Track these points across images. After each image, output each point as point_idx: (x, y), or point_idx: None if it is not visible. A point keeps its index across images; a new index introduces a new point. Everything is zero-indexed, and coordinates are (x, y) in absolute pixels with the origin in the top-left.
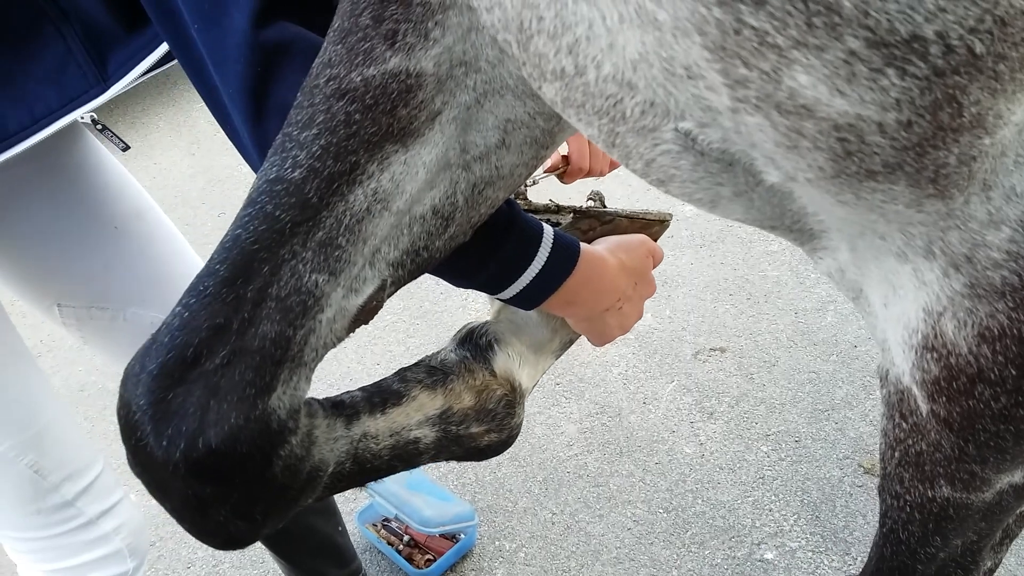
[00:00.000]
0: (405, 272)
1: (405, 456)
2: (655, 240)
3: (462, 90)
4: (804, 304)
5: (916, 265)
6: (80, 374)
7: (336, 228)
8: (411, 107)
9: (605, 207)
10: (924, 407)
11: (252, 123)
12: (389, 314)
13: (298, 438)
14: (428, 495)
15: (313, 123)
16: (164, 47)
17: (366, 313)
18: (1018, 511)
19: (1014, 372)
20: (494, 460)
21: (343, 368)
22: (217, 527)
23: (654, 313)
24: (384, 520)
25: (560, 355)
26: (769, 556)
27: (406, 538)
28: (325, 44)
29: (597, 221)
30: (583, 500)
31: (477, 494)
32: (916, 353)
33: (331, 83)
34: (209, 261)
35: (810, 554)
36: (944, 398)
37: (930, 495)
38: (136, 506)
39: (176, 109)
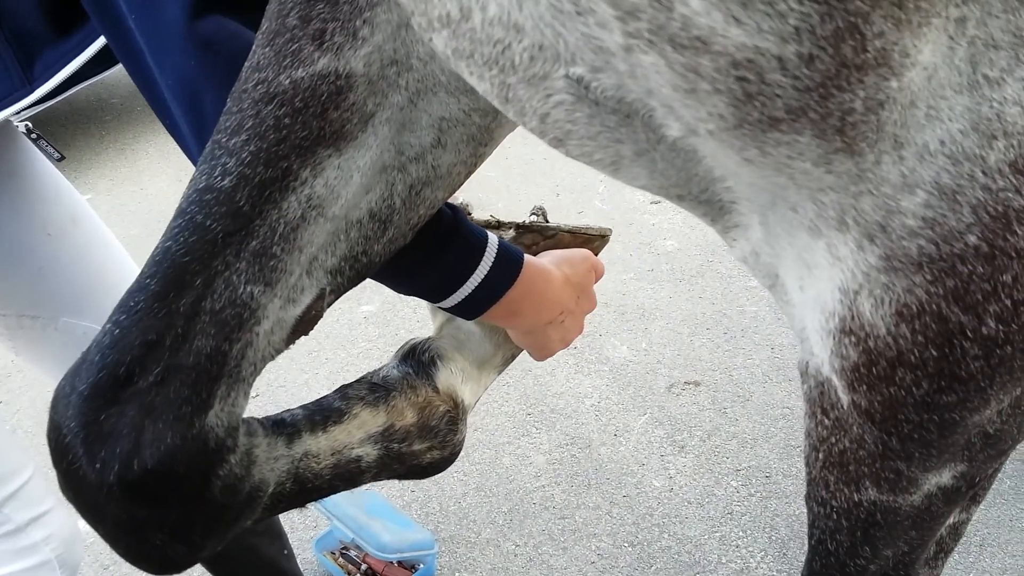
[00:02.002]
0: (344, 279)
1: (347, 475)
2: (596, 255)
3: (394, 90)
4: (780, 340)
5: (829, 239)
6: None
7: (270, 237)
8: (342, 109)
9: (547, 222)
10: (845, 398)
11: (191, 116)
12: (364, 341)
13: (237, 457)
14: (388, 521)
15: (242, 129)
16: (94, 49)
17: (305, 323)
18: (950, 522)
19: (934, 353)
20: (459, 490)
21: (314, 393)
22: (153, 551)
23: (630, 345)
24: (343, 548)
25: (502, 370)
26: None
27: (364, 567)
28: (254, 47)
29: (540, 235)
30: (547, 532)
31: (440, 524)
32: (834, 338)
33: (259, 87)
34: (139, 275)
35: None
36: (864, 386)
37: (856, 499)
38: (69, 517)
39: (166, 137)
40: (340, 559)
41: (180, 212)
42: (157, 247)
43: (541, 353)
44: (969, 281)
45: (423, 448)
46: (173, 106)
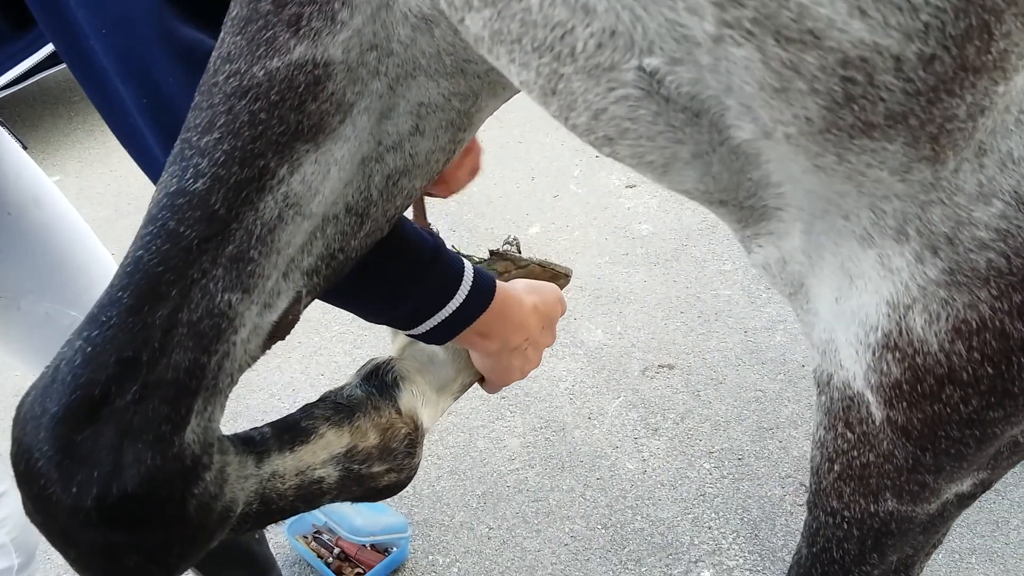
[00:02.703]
0: (321, 279)
1: (308, 496)
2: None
3: (374, 77)
4: (754, 323)
5: (883, 250)
6: (16, 379)
7: (247, 240)
8: (320, 100)
9: (520, 253)
10: (879, 414)
11: (168, 137)
12: (337, 324)
13: (212, 475)
14: (360, 504)
15: (214, 126)
16: (48, 50)
17: (282, 328)
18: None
19: (990, 371)
20: (433, 473)
21: (286, 378)
22: (128, 574)
23: (605, 329)
24: (315, 532)
25: (459, 396)
26: (706, 574)
27: (336, 550)
28: (222, 35)
29: (513, 265)
30: (521, 515)
31: (414, 507)
32: (873, 353)
33: (231, 80)
34: (109, 288)
35: (747, 573)
36: (904, 403)
37: (872, 509)
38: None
39: None
40: (313, 543)
41: (151, 219)
42: (128, 257)
43: (500, 381)
44: None
45: (381, 470)
46: (145, 126)
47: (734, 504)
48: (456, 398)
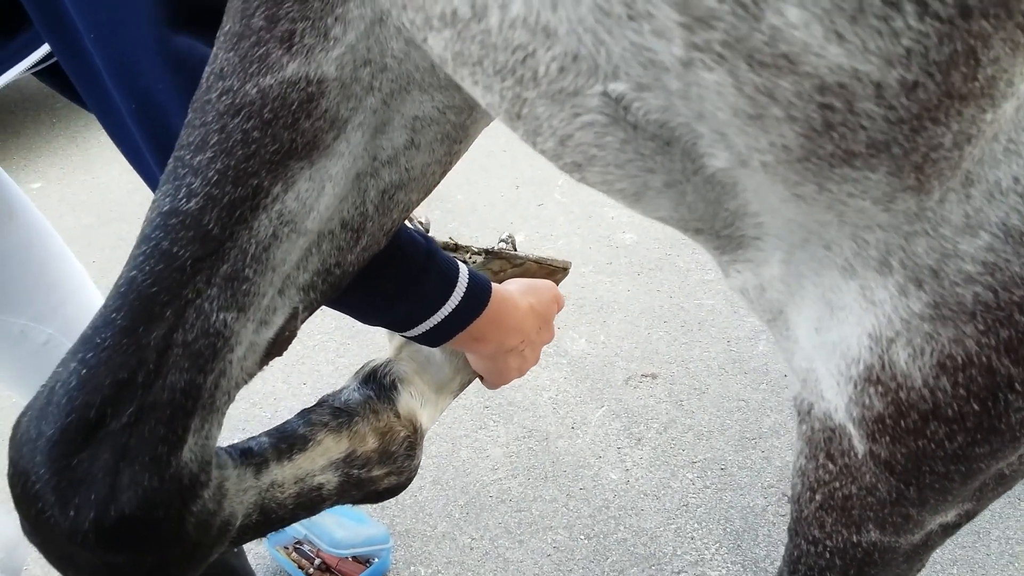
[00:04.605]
0: (317, 294)
1: (308, 503)
2: (557, 285)
3: (368, 93)
4: (737, 333)
5: (865, 281)
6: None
7: (242, 259)
8: (314, 118)
9: (516, 250)
10: (861, 447)
11: (157, 142)
12: (320, 333)
13: (210, 491)
14: (341, 516)
15: (207, 145)
16: (38, 55)
17: (279, 345)
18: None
19: (976, 407)
20: (415, 484)
21: (268, 387)
22: None
23: (588, 339)
24: (296, 543)
25: (457, 395)
26: None
27: (317, 561)
28: (215, 51)
29: (508, 263)
30: (504, 525)
31: (396, 518)
32: (855, 386)
33: (224, 97)
34: (104, 309)
35: None
36: (887, 438)
37: (855, 540)
38: (11, 520)
39: None
40: (294, 554)
41: (144, 238)
42: (121, 277)
43: (498, 380)
44: None
45: (381, 474)
46: (136, 130)
47: (717, 514)
48: (455, 397)
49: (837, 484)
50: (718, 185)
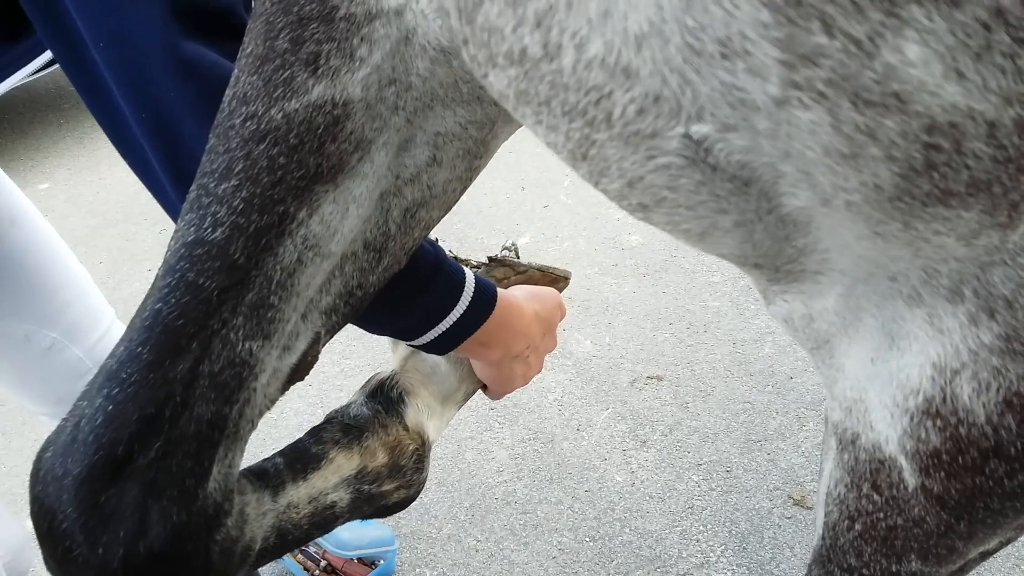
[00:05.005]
0: (339, 317)
1: (322, 522)
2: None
3: (393, 112)
4: (742, 335)
5: (933, 310)
6: None
7: (267, 286)
8: (340, 141)
9: (519, 258)
10: (912, 481)
11: (167, 151)
12: None
13: (233, 519)
14: None
15: (232, 172)
16: (40, 61)
17: (301, 370)
18: None
19: None
20: None
21: None
22: None
23: (594, 340)
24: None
25: (463, 405)
26: None
27: (323, 563)
28: (237, 73)
29: (512, 271)
30: (509, 527)
31: (400, 519)
32: (912, 419)
33: (249, 123)
34: (128, 343)
35: None
36: (942, 473)
37: (894, 570)
38: (17, 525)
39: None
40: (299, 555)
41: (169, 269)
42: (146, 309)
43: (503, 388)
44: None
45: (391, 488)
46: (145, 140)
47: (722, 517)
48: (460, 406)
49: (881, 515)
50: (791, 224)
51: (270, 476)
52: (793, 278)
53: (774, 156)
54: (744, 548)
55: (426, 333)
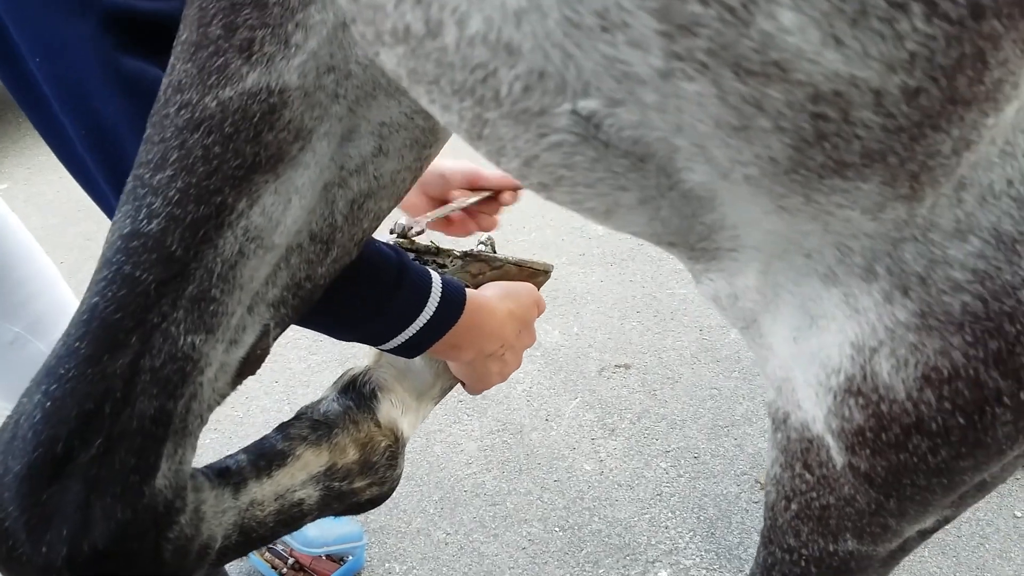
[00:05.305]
0: (288, 309)
1: (289, 520)
2: (538, 288)
3: (333, 101)
4: (709, 321)
5: (848, 289)
6: None
7: (208, 279)
8: (277, 130)
9: (495, 252)
10: (840, 459)
11: (108, 166)
12: (292, 330)
13: (186, 516)
14: None
15: (167, 162)
16: None
17: (251, 363)
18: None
19: (961, 421)
20: None
21: (240, 386)
22: None
23: (562, 330)
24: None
25: (439, 400)
26: (663, 574)
27: (291, 561)
28: (172, 61)
29: (487, 266)
30: (479, 519)
31: (369, 514)
32: (835, 397)
33: (183, 111)
34: (66, 337)
35: (704, 571)
36: (868, 451)
37: (831, 549)
38: None
39: None
40: (267, 554)
41: (105, 262)
42: (83, 304)
43: (479, 386)
44: (1015, 343)
45: (363, 485)
46: (87, 156)
47: (690, 503)
48: (437, 402)
49: (814, 495)
50: (695, 200)
51: (231, 473)
52: (710, 256)
53: (666, 130)
54: (712, 533)
55: (393, 338)
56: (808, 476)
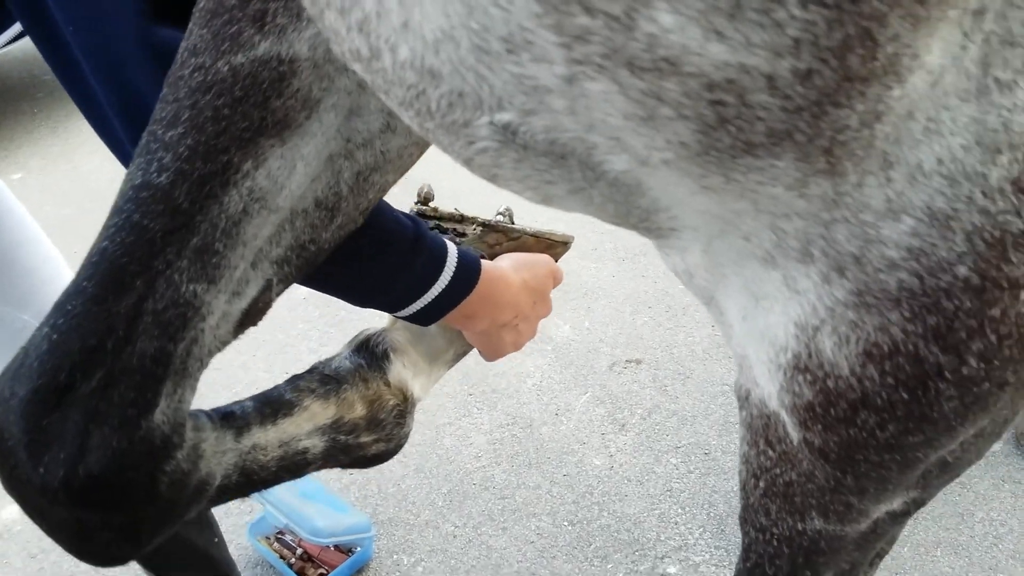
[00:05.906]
0: (292, 268)
1: (292, 466)
2: (556, 260)
3: (341, 74)
4: None
5: (787, 271)
6: None
7: (212, 233)
8: (285, 97)
9: (513, 223)
10: (795, 435)
11: (139, 134)
12: (303, 322)
13: (184, 452)
14: (323, 504)
15: (179, 121)
16: (9, 34)
17: (253, 314)
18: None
19: (905, 396)
20: (398, 472)
21: (250, 376)
22: (99, 548)
23: (573, 325)
24: (278, 533)
25: (453, 365)
26: (672, 570)
27: (299, 551)
28: (191, 26)
29: (504, 236)
30: (487, 513)
31: (379, 506)
32: (785, 374)
33: (196, 74)
34: (76, 277)
35: (713, 568)
36: (820, 426)
37: (800, 528)
38: None
39: None
40: (275, 544)
41: (116, 210)
42: (93, 247)
43: (493, 354)
44: (954, 318)
45: (369, 440)
46: (117, 123)
47: (700, 499)
48: (450, 366)
49: (778, 471)
50: (623, 187)
51: (235, 418)
52: (657, 235)
53: (578, 129)
54: (722, 530)
55: (408, 306)
56: (771, 452)
